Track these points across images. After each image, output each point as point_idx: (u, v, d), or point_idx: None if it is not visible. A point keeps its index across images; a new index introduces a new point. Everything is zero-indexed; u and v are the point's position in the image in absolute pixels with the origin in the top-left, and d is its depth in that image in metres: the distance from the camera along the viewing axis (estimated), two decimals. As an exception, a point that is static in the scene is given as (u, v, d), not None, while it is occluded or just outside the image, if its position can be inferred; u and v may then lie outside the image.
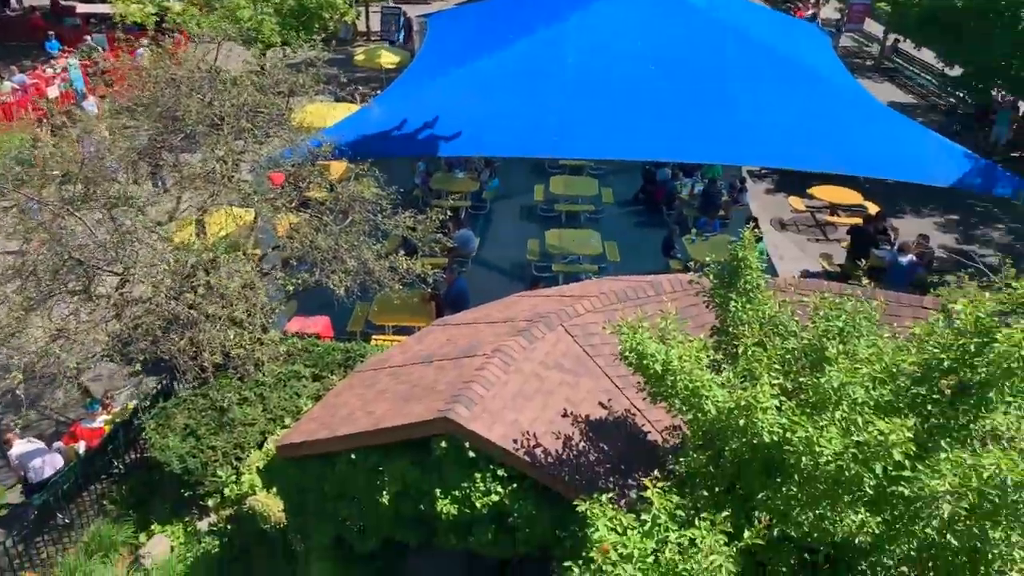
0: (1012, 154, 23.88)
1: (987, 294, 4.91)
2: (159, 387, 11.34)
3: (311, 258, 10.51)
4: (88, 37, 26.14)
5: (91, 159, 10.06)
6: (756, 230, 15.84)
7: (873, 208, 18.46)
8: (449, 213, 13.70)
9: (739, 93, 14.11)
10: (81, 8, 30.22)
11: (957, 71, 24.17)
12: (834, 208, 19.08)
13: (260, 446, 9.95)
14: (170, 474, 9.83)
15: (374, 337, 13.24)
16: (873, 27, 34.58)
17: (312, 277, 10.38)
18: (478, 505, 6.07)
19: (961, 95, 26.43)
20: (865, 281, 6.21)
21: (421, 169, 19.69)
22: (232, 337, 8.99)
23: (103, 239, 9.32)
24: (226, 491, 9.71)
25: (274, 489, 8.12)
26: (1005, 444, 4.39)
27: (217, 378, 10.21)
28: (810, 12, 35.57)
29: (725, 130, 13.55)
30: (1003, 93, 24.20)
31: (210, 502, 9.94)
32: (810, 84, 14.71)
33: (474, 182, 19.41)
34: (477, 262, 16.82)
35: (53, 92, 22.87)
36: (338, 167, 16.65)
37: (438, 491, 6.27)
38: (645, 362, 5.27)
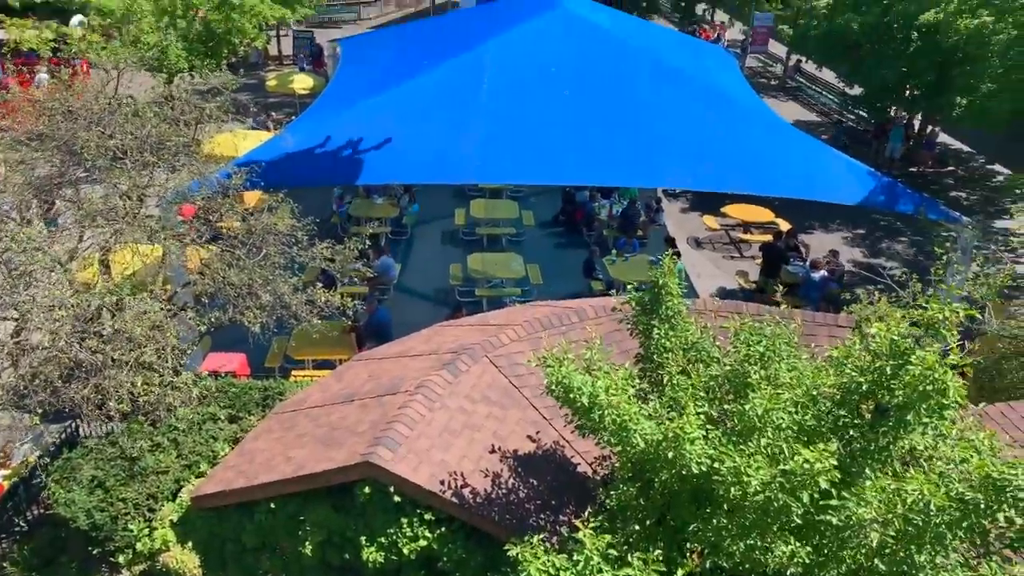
0: (911, 169, 25.20)
1: (898, 313, 5.03)
2: (62, 437, 10.65)
3: (224, 294, 10.09)
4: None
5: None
6: (674, 251, 16.11)
7: (784, 225, 19.09)
8: (368, 241, 13.46)
9: (653, 116, 14.36)
10: (-29, 33, 28.65)
11: (857, 90, 25.38)
12: (747, 226, 19.64)
13: (174, 496, 9.43)
14: (77, 530, 9.21)
15: (293, 372, 12.83)
16: (776, 48, 36.07)
17: (225, 315, 9.96)
18: (406, 551, 5.86)
19: (860, 113, 27.76)
20: (781, 300, 6.31)
21: (337, 195, 19.34)
22: (139, 384, 8.50)
23: (-6, 283, 8.70)
24: (138, 546, 9.16)
25: (189, 544, 7.68)
26: (924, 465, 4.48)
27: (127, 424, 9.66)
28: (715, 35, 36.88)
29: (640, 153, 13.75)
30: (898, 110, 25.51)
31: (121, 559, 9.34)
32: (720, 106, 15.09)
33: (393, 208, 19.17)
34: (399, 289, 16.57)
35: (-60, 123, 21.51)
36: (252, 197, 16.17)
37: (363, 538, 6.02)
38: (572, 395, 5.19)
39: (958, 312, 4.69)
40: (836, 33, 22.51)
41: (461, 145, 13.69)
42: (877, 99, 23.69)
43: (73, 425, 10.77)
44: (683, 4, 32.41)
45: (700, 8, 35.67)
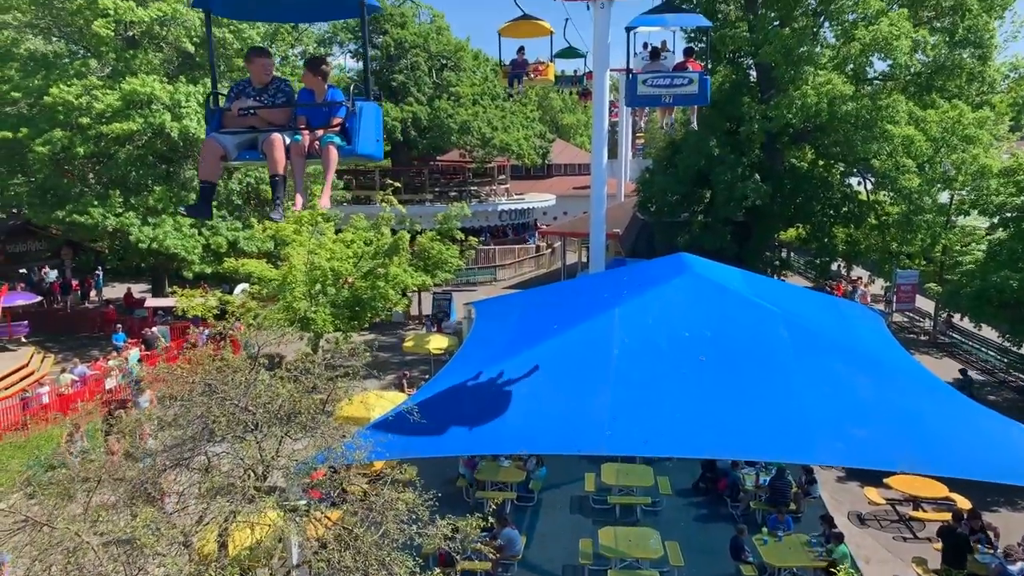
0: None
1: None
2: None
3: (337, 578, 9.41)
4: (151, 329, 27.35)
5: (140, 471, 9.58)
6: (834, 531, 14.22)
7: (962, 502, 16.75)
8: (493, 507, 12.70)
9: (796, 382, 13.33)
10: (150, 302, 32.14)
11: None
12: (917, 502, 17.35)
13: None
14: None
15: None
16: (923, 301, 34.60)
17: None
18: None
19: (1029, 372, 25.39)
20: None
21: (465, 457, 18.86)
22: None
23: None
24: None
25: None
26: None
27: None
28: (851, 288, 36.02)
29: (786, 425, 12.59)
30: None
31: None
32: (873, 371, 13.89)
33: (520, 471, 18.40)
34: (523, 565, 15.30)
35: (110, 383, 23.37)
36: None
37: None
38: None
39: None
40: (993, 290, 21.19)
41: (591, 412, 13.08)
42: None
43: None
44: (818, 262, 32.06)
45: (835, 264, 35.29)
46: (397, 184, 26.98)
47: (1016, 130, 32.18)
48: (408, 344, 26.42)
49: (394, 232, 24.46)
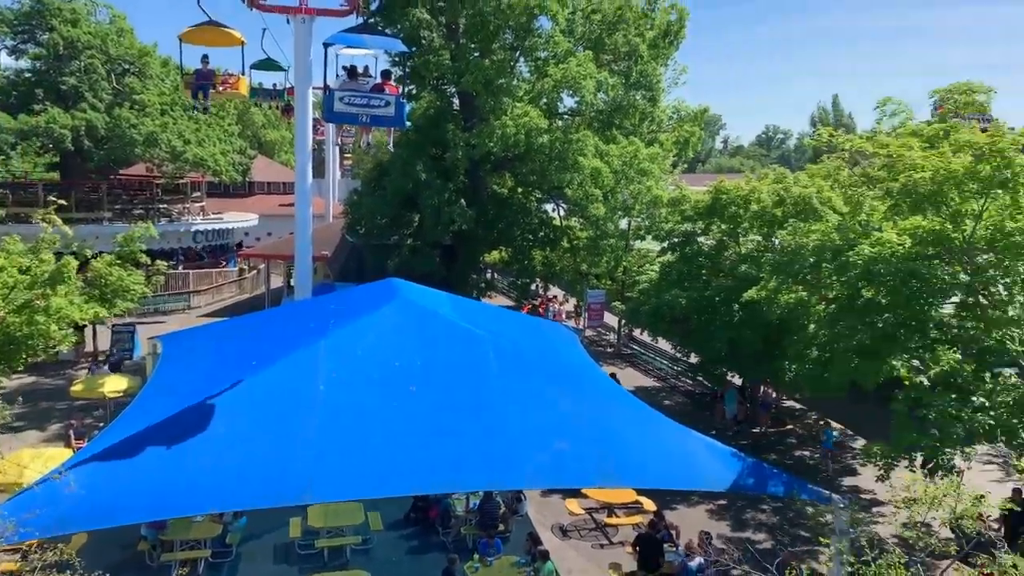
0: (752, 431, 25.73)
1: None
2: None
3: None
4: None
5: None
6: (540, 549, 14.52)
7: (648, 503, 18.23)
8: (181, 573, 11.07)
9: (504, 409, 13.45)
10: None
11: (695, 357, 26.44)
12: (610, 508, 18.56)
13: None
14: None
15: None
16: (610, 317, 37.91)
17: None
18: None
19: (698, 378, 28.79)
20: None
21: (150, 515, 16.52)
22: None
23: None
24: None
25: None
26: None
27: None
28: (548, 307, 38.49)
29: (495, 449, 12.64)
30: (731, 375, 26.57)
31: None
32: (571, 388, 14.54)
33: (216, 524, 16.53)
34: (220, 633, 13.66)
35: None
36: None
37: None
38: None
39: None
40: (665, 308, 23.61)
41: (295, 457, 12.00)
42: (712, 366, 24.57)
43: None
44: (519, 283, 33.67)
45: (535, 284, 37.39)
46: (63, 201, 23.21)
47: (678, 165, 36.62)
48: (77, 388, 22.82)
49: (60, 256, 20.98)
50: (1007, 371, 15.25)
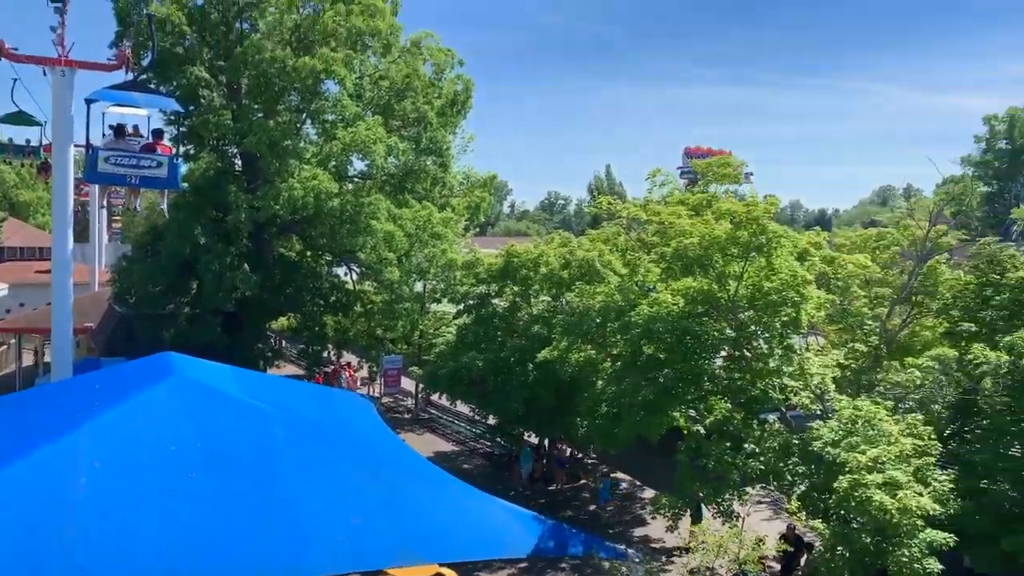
0: (549, 488, 26.22)
1: None
2: None
3: None
4: None
5: None
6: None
7: (450, 574, 17.81)
8: None
9: (294, 489, 12.64)
10: None
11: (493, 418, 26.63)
12: (413, 582, 17.90)
13: None
14: None
15: None
16: (407, 381, 37.38)
17: None
18: None
19: (496, 439, 29.00)
20: None
21: None
22: None
23: None
24: None
25: None
26: None
27: None
28: (340, 374, 37.20)
29: (283, 537, 11.76)
30: (528, 434, 27.04)
31: None
32: (370, 466, 13.97)
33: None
34: None
35: None
36: None
37: None
38: None
39: None
40: (463, 370, 23.67)
41: (51, 566, 10.40)
42: (509, 426, 24.87)
43: None
44: (310, 350, 32.38)
45: (327, 351, 36.17)
46: None
47: (470, 228, 37.45)
48: None
49: None
50: (771, 417, 16.78)
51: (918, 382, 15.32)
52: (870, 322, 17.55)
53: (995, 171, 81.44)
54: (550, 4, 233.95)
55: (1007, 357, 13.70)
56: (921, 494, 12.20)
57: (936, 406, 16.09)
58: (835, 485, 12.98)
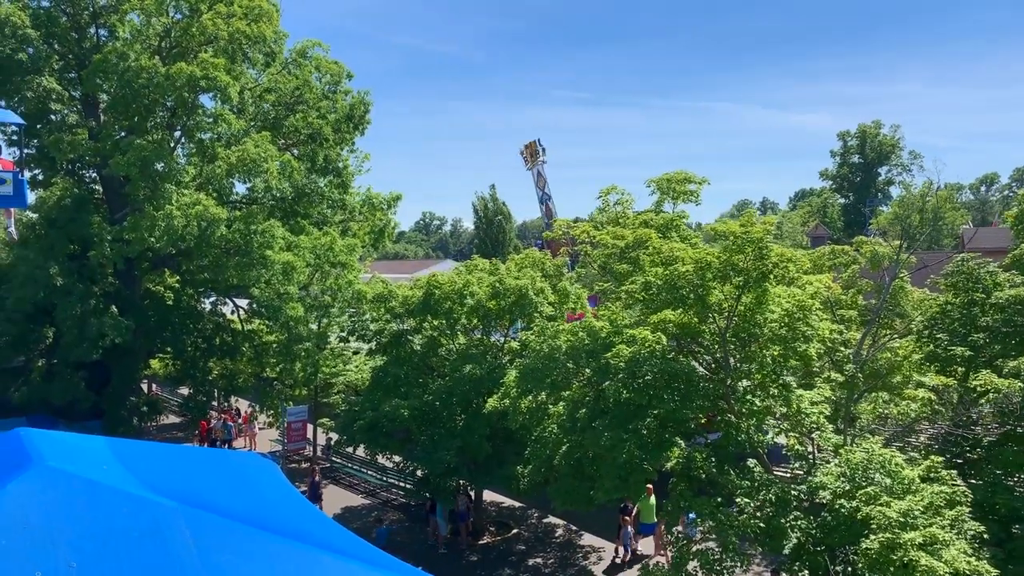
0: (480, 542, 23.61)
1: None
2: None
3: None
4: None
5: None
6: None
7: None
8: None
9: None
10: None
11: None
12: None
13: None
14: None
15: None
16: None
17: None
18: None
19: (415, 490, 25.99)
20: None
21: None
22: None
23: None
24: None
25: None
26: None
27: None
28: (232, 421, 33.05)
29: None
30: (459, 483, 24.21)
31: None
32: (289, 543, 11.02)
33: None
34: None
35: None
36: None
37: None
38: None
39: None
40: (385, 420, 20.70)
41: None
42: (441, 479, 22.05)
43: None
44: (193, 402, 28.28)
45: (215, 399, 31.92)
46: None
47: (369, 255, 34.25)
48: None
49: None
50: (750, 462, 14.98)
51: (913, 415, 13.95)
52: (842, 348, 16.20)
53: (850, 183, 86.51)
54: (408, 26, 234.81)
55: (1020, 384, 12.49)
56: (969, 553, 10.63)
57: (922, 438, 14.87)
58: (864, 546, 11.25)
